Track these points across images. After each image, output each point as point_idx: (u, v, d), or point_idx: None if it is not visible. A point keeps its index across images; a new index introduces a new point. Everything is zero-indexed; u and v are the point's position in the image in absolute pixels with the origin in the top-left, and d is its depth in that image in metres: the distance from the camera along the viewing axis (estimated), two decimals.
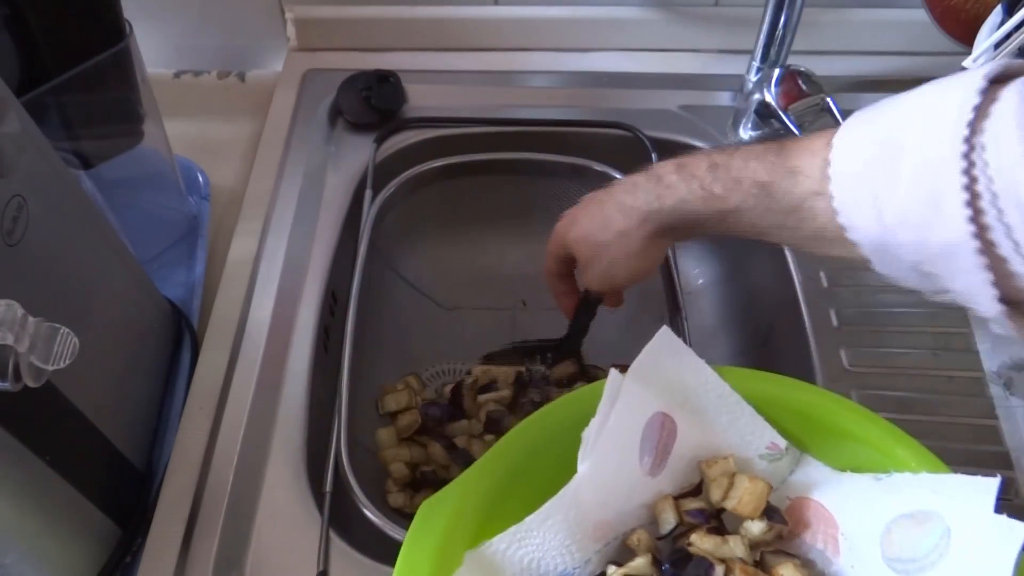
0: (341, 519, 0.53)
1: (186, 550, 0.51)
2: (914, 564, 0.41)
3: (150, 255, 0.67)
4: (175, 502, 0.53)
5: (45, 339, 0.35)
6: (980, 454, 0.56)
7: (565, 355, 0.67)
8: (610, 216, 0.51)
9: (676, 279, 0.65)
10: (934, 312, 0.63)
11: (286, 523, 0.52)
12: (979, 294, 0.36)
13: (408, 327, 0.75)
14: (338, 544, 0.51)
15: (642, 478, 0.46)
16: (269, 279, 0.64)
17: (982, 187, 0.33)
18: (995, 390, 0.59)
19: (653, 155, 0.72)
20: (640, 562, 0.43)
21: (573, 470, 0.43)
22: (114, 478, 0.51)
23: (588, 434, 0.44)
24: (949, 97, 0.35)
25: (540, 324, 0.73)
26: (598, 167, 0.72)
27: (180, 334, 0.62)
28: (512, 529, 0.43)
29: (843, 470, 0.47)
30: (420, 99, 0.77)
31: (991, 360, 0.60)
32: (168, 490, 0.53)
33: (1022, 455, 0.55)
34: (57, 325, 0.36)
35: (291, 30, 0.81)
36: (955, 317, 0.62)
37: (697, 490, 0.47)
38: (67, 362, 0.36)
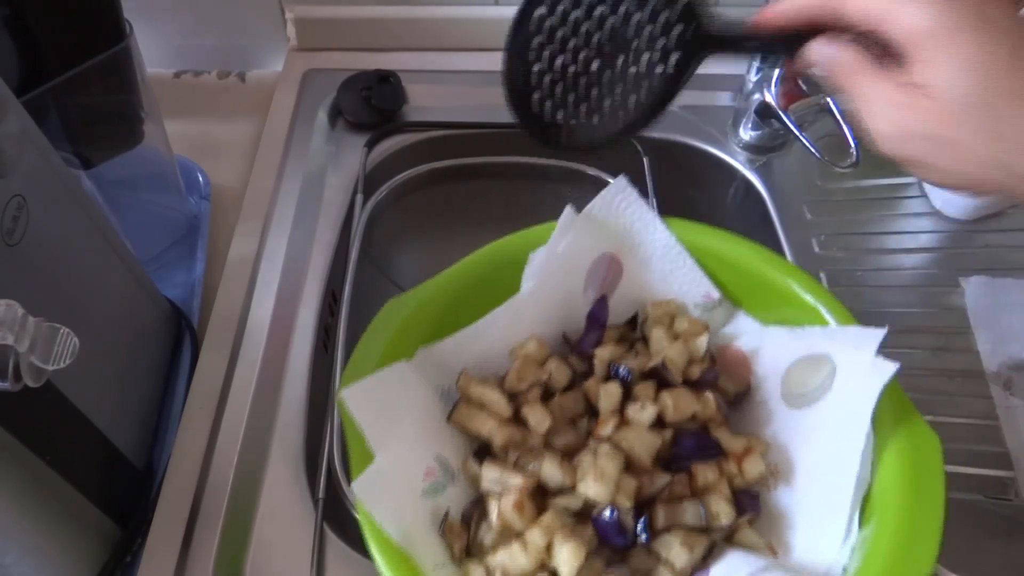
0: (340, 519, 0.53)
1: (186, 550, 0.51)
2: (803, 398, 0.47)
3: (150, 255, 0.67)
4: (175, 502, 0.53)
5: (45, 339, 0.35)
6: (980, 454, 0.56)
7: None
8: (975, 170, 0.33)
9: None
10: (934, 312, 0.63)
11: (286, 523, 0.52)
12: None
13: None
14: (337, 544, 0.51)
15: (583, 307, 0.52)
16: (269, 279, 0.64)
17: None
18: (995, 390, 0.59)
19: (644, 159, 0.72)
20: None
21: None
22: (114, 478, 0.51)
23: (535, 256, 0.49)
24: None
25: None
26: (591, 171, 0.72)
27: (180, 334, 0.62)
28: (460, 332, 0.49)
29: (768, 324, 0.52)
30: (420, 99, 0.77)
31: (991, 360, 0.60)
32: (168, 490, 0.53)
33: (1022, 455, 0.55)
34: (57, 325, 0.36)
35: (291, 30, 0.81)
36: (955, 317, 0.62)
37: (632, 323, 0.53)
38: (67, 362, 0.36)
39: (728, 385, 0.50)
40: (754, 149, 0.73)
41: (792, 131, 0.65)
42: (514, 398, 0.47)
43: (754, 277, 0.51)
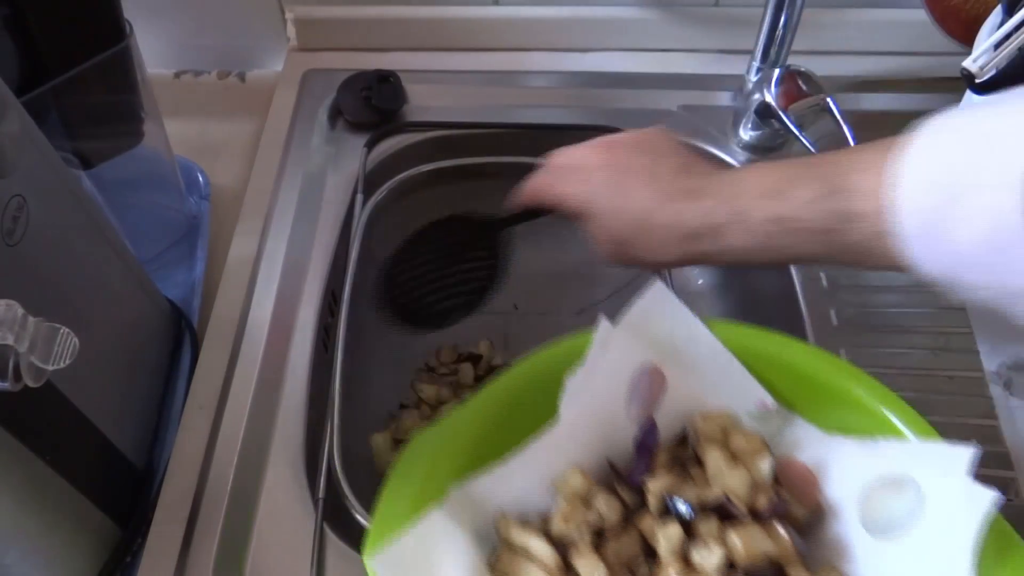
0: (341, 519, 0.53)
1: (186, 550, 0.51)
2: (888, 527, 0.42)
3: (150, 255, 0.67)
4: (175, 502, 0.53)
5: (45, 339, 0.35)
6: (980, 454, 0.56)
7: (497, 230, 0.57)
8: (653, 246, 0.45)
9: (669, 282, 0.65)
10: (934, 312, 0.63)
11: (286, 523, 0.52)
12: None
13: (401, 331, 0.74)
14: (337, 544, 0.51)
15: (628, 428, 0.47)
16: (269, 279, 0.64)
17: None
18: (995, 390, 0.59)
19: None
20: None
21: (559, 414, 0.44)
22: (114, 478, 0.51)
23: (573, 380, 0.44)
24: (1018, 131, 0.33)
25: (532, 328, 0.72)
26: None
27: (180, 334, 0.62)
28: (496, 469, 0.44)
29: (831, 432, 0.47)
30: (420, 99, 0.77)
31: (991, 360, 0.60)
32: (168, 490, 0.53)
33: (1022, 455, 0.55)
34: (57, 325, 0.35)
35: (291, 30, 0.81)
36: (955, 317, 0.62)
37: (682, 440, 0.48)
38: (67, 362, 0.36)
39: (797, 509, 0.44)
40: (754, 149, 0.73)
41: (792, 131, 0.65)
42: (561, 543, 0.42)
43: (810, 381, 0.47)
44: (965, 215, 0.34)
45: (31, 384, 0.35)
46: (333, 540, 0.52)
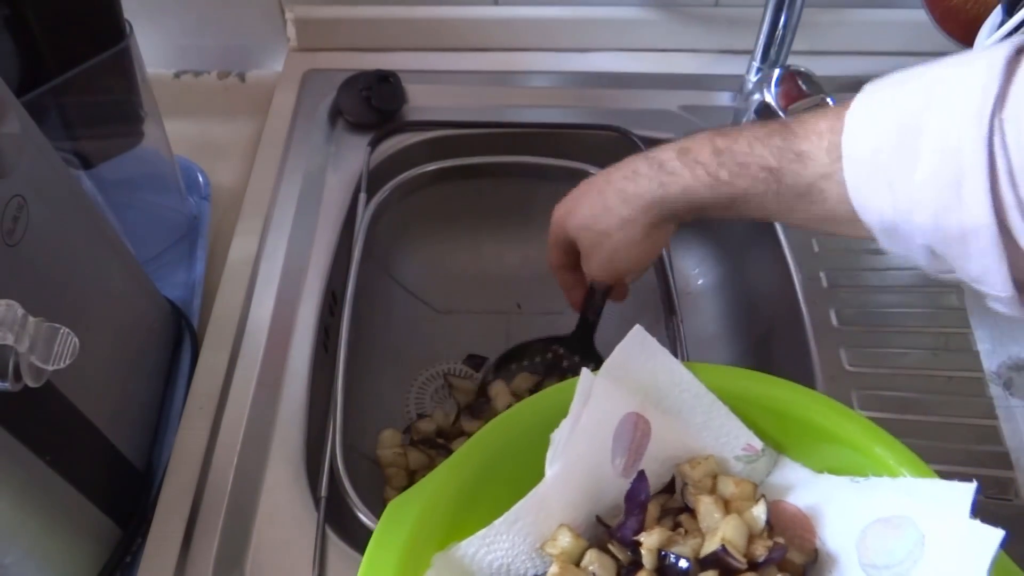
0: (341, 519, 0.53)
1: (186, 550, 0.51)
2: (888, 570, 0.40)
3: (150, 255, 0.67)
4: (175, 502, 0.53)
5: (45, 339, 0.35)
6: (980, 454, 0.56)
7: (577, 349, 0.66)
8: (611, 205, 0.50)
9: (671, 282, 0.65)
10: (934, 312, 0.63)
11: (286, 523, 0.52)
12: (993, 276, 0.36)
13: (404, 331, 0.75)
14: (338, 544, 0.51)
15: (615, 479, 0.45)
16: (269, 279, 0.64)
17: (1000, 165, 0.33)
18: (995, 390, 0.59)
19: None
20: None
21: (543, 470, 0.42)
22: (114, 478, 0.51)
23: (558, 435, 0.43)
24: (970, 78, 0.34)
25: (535, 328, 0.72)
26: (593, 170, 0.72)
27: (180, 334, 0.62)
28: (481, 532, 0.42)
29: (821, 471, 0.46)
30: (420, 99, 0.77)
31: (991, 360, 0.60)
32: (168, 490, 0.53)
33: (1022, 455, 0.55)
34: (57, 325, 0.35)
35: (291, 30, 0.81)
36: (955, 317, 0.62)
37: (670, 488, 0.47)
38: (67, 362, 0.36)
39: (794, 556, 0.42)
40: None
41: None
42: None
43: (795, 419, 0.46)
44: (917, 151, 0.35)
45: (31, 384, 0.35)
46: (333, 540, 0.52)
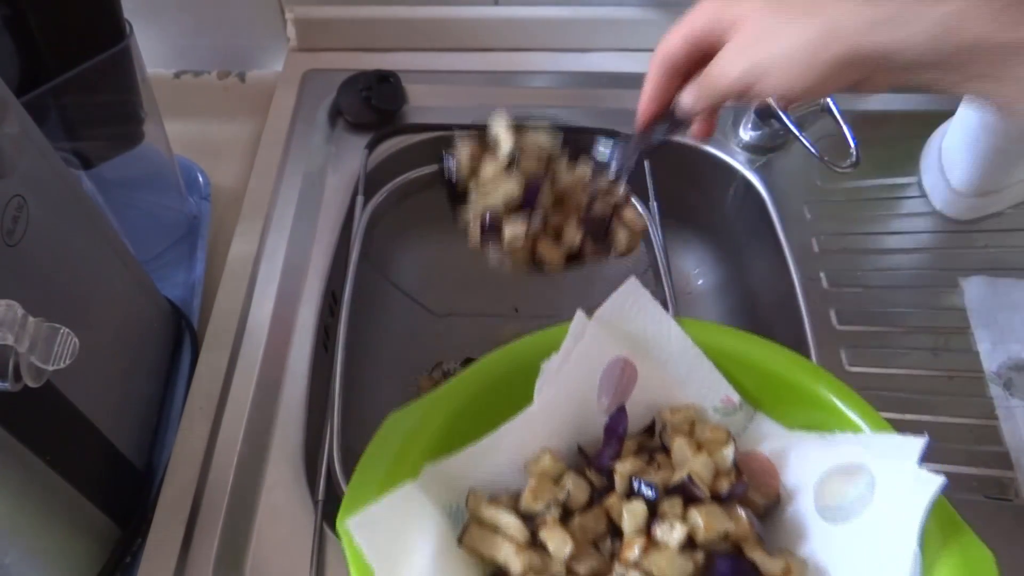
0: None
1: (186, 550, 0.51)
2: (840, 512, 0.44)
3: (150, 255, 0.67)
4: (175, 502, 0.53)
5: (45, 339, 0.35)
6: (980, 454, 0.56)
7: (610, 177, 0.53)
8: (813, 7, 0.38)
9: (668, 282, 0.65)
10: (934, 312, 0.63)
11: (286, 523, 0.52)
12: None
13: (402, 334, 0.75)
14: (337, 544, 0.51)
15: (598, 416, 0.49)
16: (269, 279, 0.64)
17: None
18: (995, 390, 0.59)
19: (645, 161, 0.72)
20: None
21: (533, 399, 0.46)
22: (114, 478, 0.51)
23: (548, 366, 0.46)
24: None
25: (532, 331, 0.72)
26: None
27: (180, 334, 0.62)
28: (469, 449, 0.45)
29: (793, 428, 0.49)
30: (420, 99, 0.77)
31: (991, 360, 0.60)
32: (168, 490, 0.53)
33: (1022, 455, 0.55)
34: (57, 325, 0.36)
35: (291, 30, 0.81)
36: (955, 317, 0.62)
37: (650, 430, 0.50)
38: (67, 362, 0.36)
39: (756, 497, 0.46)
40: (754, 149, 0.73)
41: (792, 131, 0.65)
42: (529, 519, 0.44)
43: (775, 378, 0.49)
44: None
45: (31, 384, 0.35)
46: (333, 540, 0.52)
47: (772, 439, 0.49)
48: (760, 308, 0.73)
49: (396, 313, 0.76)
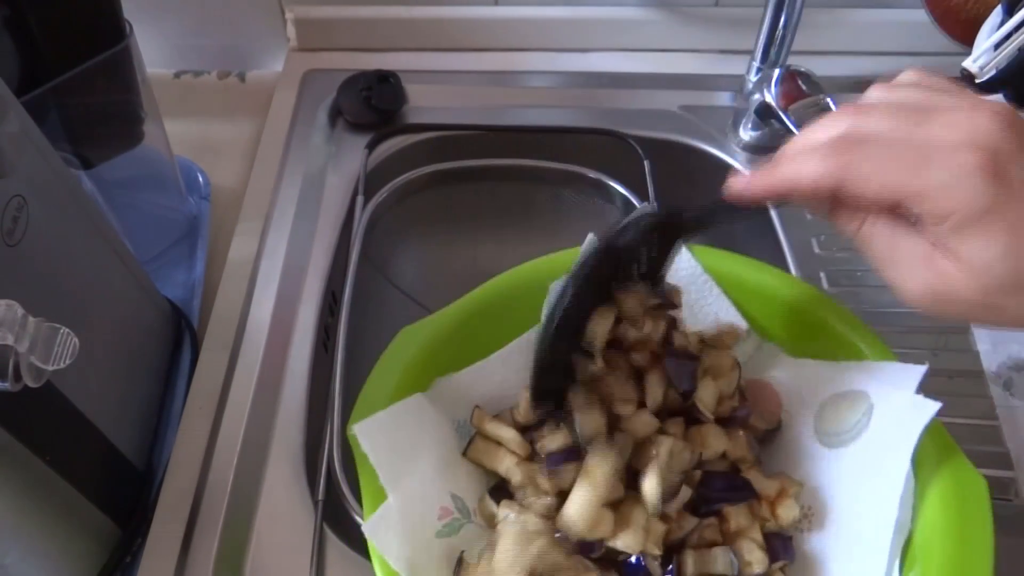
0: (340, 520, 0.53)
1: (186, 550, 0.51)
2: (838, 437, 0.45)
3: (150, 255, 0.67)
4: (175, 502, 0.53)
5: (45, 339, 0.35)
6: (980, 454, 0.55)
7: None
8: None
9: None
10: None
11: (286, 523, 0.52)
12: None
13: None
14: (338, 545, 0.51)
15: None
16: (269, 279, 0.64)
17: None
18: (995, 390, 0.59)
19: (645, 162, 0.72)
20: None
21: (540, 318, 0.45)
22: (114, 478, 0.51)
23: (556, 285, 0.44)
24: None
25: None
26: (592, 174, 0.72)
27: (180, 334, 0.62)
28: (478, 364, 0.47)
29: (800, 357, 0.49)
30: (420, 99, 0.77)
31: (991, 360, 0.60)
32: (168, 490, 0.53)
33: (1022, 455, 0.55)
34: (57, 325, 0.36)
35: (291, 30, 0.81)
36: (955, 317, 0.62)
37: None
38: (67, 362, 0.36)
39: (758, 422, 0.47)
40: (754, 149, 0.73)
41: (792, 131, 0.65)
42: (529, 432, 0.45)
43: (783, 306, 0.49)
44: None
45: (31, 384, 0.35)
46: (333, 540, 0.52)
47: (777, 368, 0.49)
48: None
49: (396, 313, 0.76)
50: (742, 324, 0.50)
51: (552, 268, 0.48)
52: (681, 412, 0.45)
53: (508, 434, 0.45)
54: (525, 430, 0.45)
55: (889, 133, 0.31)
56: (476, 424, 0.46)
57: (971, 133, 0.30)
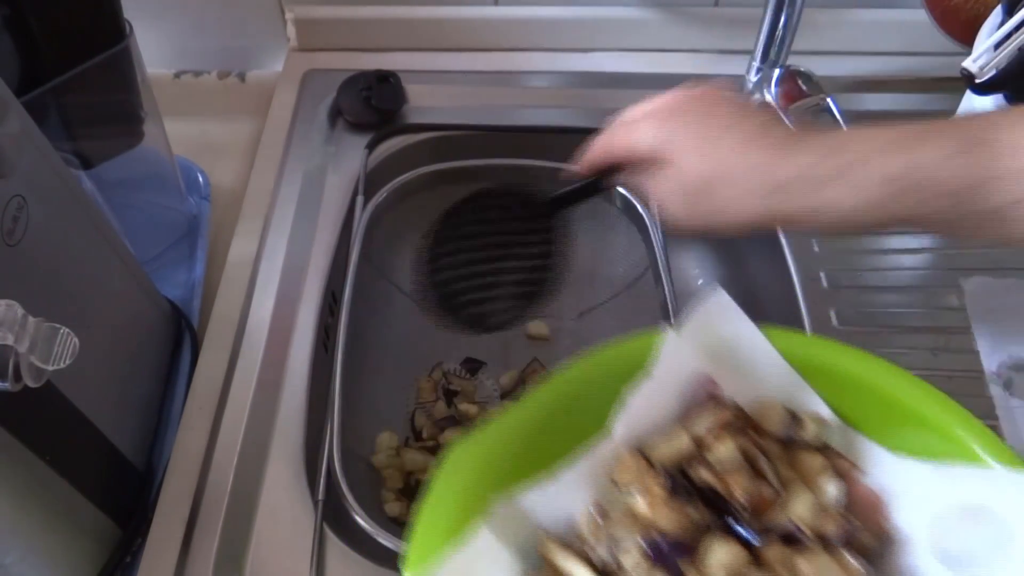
0: (340, 520, 0.53)
1: (186, 550, 0.51)
2: (966, 559, 0.38)
3: (150, 255, 0.67)
4: (175, 502, 0.53)
5: (45, 339, 0.35)
6: None
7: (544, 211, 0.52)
8: (734, 195, 0.41)
9: (669, 283, 0.65)
10: (934, 312, 0.63)
11: (286, 523, 0.52)
12: None
13: (401, 334, 0.74)
14: (338, 545, 0.51)
15: None
16: (269, 279, 0.64)
17: None
18: (995, 390, 0.58)
19: None
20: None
21: (606, 419, 0.42)
22: (114, 478, 0.51)
23: (632, 393, 0.42)
24: None
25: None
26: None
27: (180, 334, 0.62)
28: (544, 484, 0.41)
29: (895, 451, 0.43)
30: (420, 99, 0.77)
31: (991, 360, 0.60)
32: (168, 490, 0.53)
33: (1022, 455, 0.55)
34: (57, 325, 0.36)
35: (291, 30, 0.81)
36: (955, 317, 0.62)
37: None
38: (67, 362, 0.36)
39: (866, 537, 0.40)
40: None
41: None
42: (604, 570, 0.40)
43: (876, 395, 0.44)
44: None
45: (31, 384, 0.35)
46: (333, 540, 0.52)
47: (874, 466, 0.43)
48: (760, 308, 0.73)
49: (395, 313, 0.76)
50: (829, 415, 0.44)
51: (618, 361, 0.44)
52: (776, 532, 0.39)
53: (581, 572, 0.39)
54: (600, 570, 0.39)
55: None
56: (543, 553, 0.40)
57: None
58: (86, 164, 0.59)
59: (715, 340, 0.45)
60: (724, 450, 0.40)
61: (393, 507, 0.63)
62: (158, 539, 0.51)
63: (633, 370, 0.43)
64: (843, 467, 0.43)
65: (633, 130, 0.45)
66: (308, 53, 0.82)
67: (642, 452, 0.42)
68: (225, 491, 0.53)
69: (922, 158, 0.36)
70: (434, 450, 0.66)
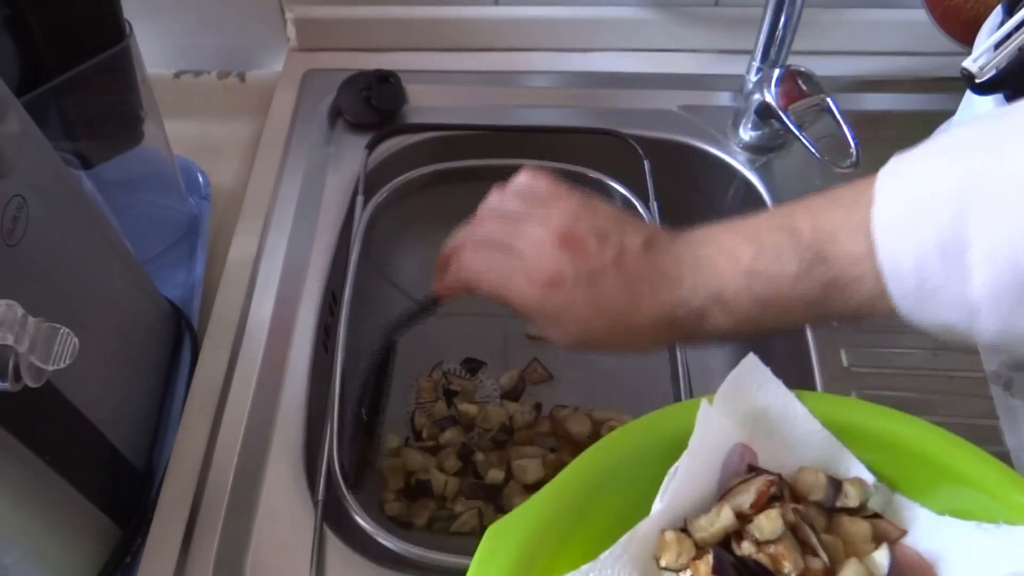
0: (340, 520, 0.53)
1: (186, 550, 0.51)
2: None
3: (150, 255, 0.67)
4: (175, 502, 0.53)
5: (45, 339, 0.35)
6: None
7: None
8: (631, 339, 0.43)
9: None
10: None
11: (286, 523, 0.52)
12: None
13: (401, 334, 0.74)
14: (338, 545, 0.51)
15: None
16: (269, 279, 0.64)
17: None
18: (995, 390, 0.59)
19: (645, 162, 0.72)
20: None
21: (650, 492, 0.41)
22: (114, 478, 0.51)
23: (673, 470, 0.41)
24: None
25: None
26: (592, 174, 0.71)
27: (180, 334, 0.62)
28: (585, 567, 0.40)
29: (942, 514, 0.42)
30: (420, 99, 0.77)
31: (991, 360, 0.60)
32: (168, 490, 0.53)
33: (1022, 455, 0.55)
34: (57, 325, 0.36)
35: (291, 30, 0.81)
36: None
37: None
38: (67, 362, 0.36)
39: None
40: (754, 149, 0.73)
41: (792, 131, 0.65)
42: None
43: (916, 456, 0.43)
44: (970, 266, 0.32)
45: (31, 384, 0.35)
46: (333, 540, 0.52)
47: (920, 529, 0.42)
48: None
49: (396, 313, 0.76)
50: (869, 478, 0.43)
51: (652, 434, 0.43)
52: None
53: None
54: None
55: (494, 242, 0.49)
56: None
57: (541, 237, 0.45)
58: (86, 164, 0.59)
59: (750, 408, 0.44)
60: (768, 523, 0.39)
61: (393, 507, 0.63)
62: (158, 539, 0.51)
63: (668, 443, 0.42)
64: (889, 532, 0.42)
65: (520, 286, 0.46)
66: (308, 53, 0.82)
67: (685, 530, 0.41)
68: (225, 491, 0.53)
69: (778, 284, 0.38)
70: (434, 450, 0.66)
